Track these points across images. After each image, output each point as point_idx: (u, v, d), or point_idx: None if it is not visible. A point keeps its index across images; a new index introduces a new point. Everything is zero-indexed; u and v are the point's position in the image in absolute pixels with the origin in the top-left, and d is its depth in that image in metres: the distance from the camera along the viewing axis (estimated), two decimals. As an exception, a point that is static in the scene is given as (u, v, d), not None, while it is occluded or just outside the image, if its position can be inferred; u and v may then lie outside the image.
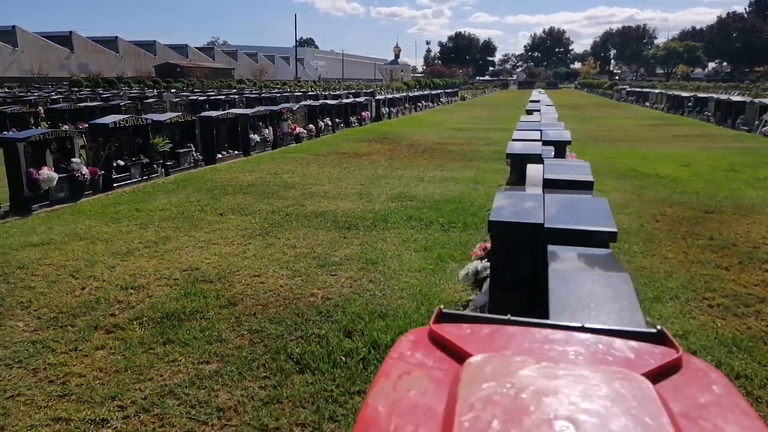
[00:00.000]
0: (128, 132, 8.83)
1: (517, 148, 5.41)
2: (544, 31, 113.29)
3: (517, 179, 5.25)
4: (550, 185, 3.87)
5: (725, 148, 12.88)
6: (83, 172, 7.68)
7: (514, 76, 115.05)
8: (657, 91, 30.87)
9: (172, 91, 38.03)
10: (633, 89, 39.80)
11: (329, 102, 18.00)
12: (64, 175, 7.42)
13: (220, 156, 11.11)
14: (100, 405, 2.89)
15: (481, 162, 11.25)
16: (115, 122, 8.39)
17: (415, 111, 28.54)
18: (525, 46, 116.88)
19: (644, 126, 19.96)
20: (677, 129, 18.45)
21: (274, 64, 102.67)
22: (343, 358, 3.30)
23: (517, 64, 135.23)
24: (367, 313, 3.89)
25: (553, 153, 5.55)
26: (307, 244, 5.59)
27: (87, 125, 8.47)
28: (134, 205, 7.38)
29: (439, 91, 37.98)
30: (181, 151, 9.98)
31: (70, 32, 66.98)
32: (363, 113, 20.34)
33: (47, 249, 5.44)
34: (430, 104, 32.48)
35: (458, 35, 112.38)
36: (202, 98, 22.10)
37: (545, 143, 5.82)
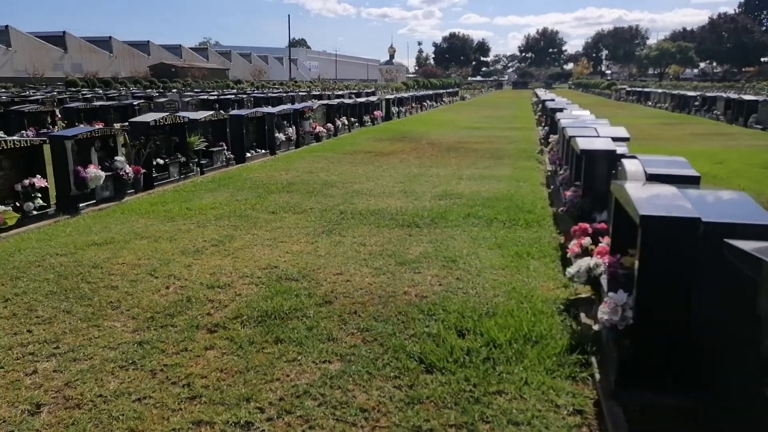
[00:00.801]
0: (165, 130, 8.70)
1: (597, 144, 5.38)
2: (537, 32, 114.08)
3: (595, 174, 5.21)
4: (655, 180, 3.83)
5: (750, 146, 12.97)
6: (127, 171, 7.54)
7: (506, 77, 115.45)
8: (660, 90, 31.06)
9: (173, 91, 37.74)
10: (634, 89, 40.05)
11: (346, 101, 17.92)
12: (109, 173, 7.29)
13: (249, 155, 11.00)
14: (236, 407, 2.80)
15: (512, 160, 11.22)
16: (155, 120, 8.25)
17: (421, 110, 28.53)
18: (519, 47, 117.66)
19: (658, 125, 20.08)
20: (691, 128, 18.57)
21: (268, 65, 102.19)
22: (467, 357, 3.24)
23: (508, 65, 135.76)
24: (471, 312, 3.82)
25: (620, 150, 5.52)
26: (376, 242, 5.51)
27: (126, 123, 8.32)
28: (182, 203, 7.26)
29: (441, 90, 38.01)
30: (214, 149, 9.86)
31: (64, 32, 66.21)
32: (375, 112, 20.27)
33: (113, 248, 5.32)
34: (434, 104, 32.49)
35: (452, 36, 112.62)
36: (212, 98, 21.94)
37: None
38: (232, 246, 5.42)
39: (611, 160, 5.16)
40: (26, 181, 6.22)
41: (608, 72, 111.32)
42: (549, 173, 9.66)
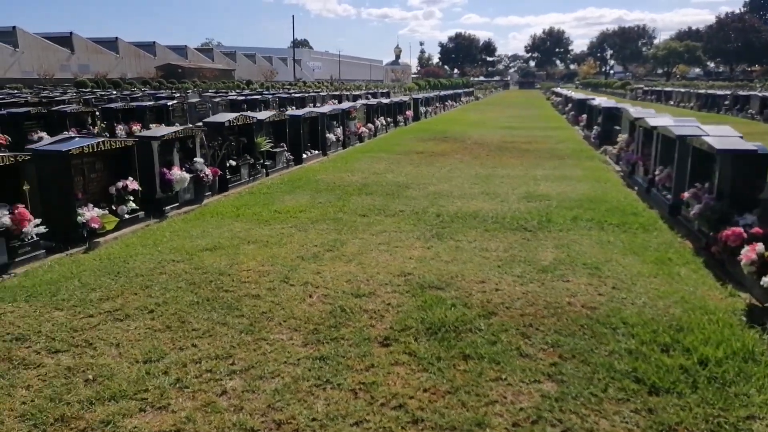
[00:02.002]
0: (234, 131, 8.46)
1: (728, 143, 5.16)
2: (544, 32, 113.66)
3: (736, 175, 4.97)
4: None
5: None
6: (207, 173, 7.30)
7: (508, 77, 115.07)
8: (683, 89, 30.78)
9: (189, 92, 37.47)
10: (653, 88, 39.76)
11: (384, 102, 17.68)
12: (189, 175, 7.04)
13: (304, 156, 10.76)
14: (470, 433, 2.56)
15: (574, 160, 10.98)
16: (229, 121, 8.01)
17: (444, 110, 28.29)
18: (525, 47, 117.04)
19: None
20: (736, 128, 18.29)
21: (273, 65, 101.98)
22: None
23: (510, 65, 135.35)
24: (655, 324, 3.58)
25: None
26: (497, 247, 5.27)
27: (201, 124, 8.09)
28: (265, 206, 7.01)
29: (459, 91, 37.77)
30: (277, 150, 9.62)
31: (71, 33, 65.87)
32: (407, 112, 20.03)
33: (226, 253, 5.07)
34: (455, 103, 32.26)
35: (458, 36, 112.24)
36: (240, 99, 21.66)
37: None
38: (347, 251, 5.18)
39: (757, 161, 4.92)
40: (120, 184, 5.97)
41: (611, 72, 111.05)
42: (622, 173, 9.43)
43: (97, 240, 5.48)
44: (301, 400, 2.83)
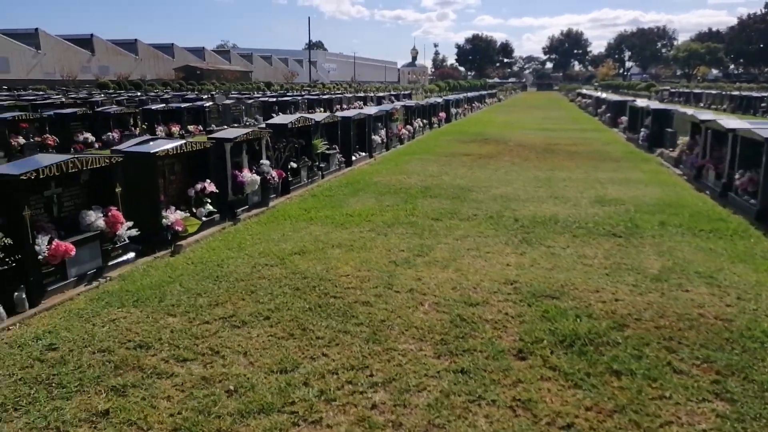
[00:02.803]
0: (293, 133, 8.36)
1: None
2: (562, 33, 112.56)
3: None
4: None
5: None
6: (273, 175, 7.20)
7: (523, 79, 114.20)
8: (715, 91, 30.23)
9: (213, 93, 37.62)
10: (680, 90, 39.14)
11: (421, 103, 17.54)
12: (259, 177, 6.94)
13: (354, 158, 10.64)
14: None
15: (630, 163, 10.75)
16: (291, 122, 7.91)
17: (471, 112, 28.07)
18: (543, 48, 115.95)
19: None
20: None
21: (288, 67, 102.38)
22: None
23: (525, 67, 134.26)
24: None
25: None
26: (594, 254, 5.09)
27: (265, 125, 8.00)
28: (333, 209, 6.89)
29: (484, 92, 37.51)
30: (330, 152, 9.51)
31: (91, 35, 66.62)
32: (440, 114, 19.86)
33: (317, 257, 4.95)
34: (480, 105, 32.02)
35: (475, 37, 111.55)
36: (272, 100, 21.67)
37: None
38: (438, 256, 5.03)
39: None
40: (198, 186, 5.88)
41: (627, 74, 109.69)
42: (686, 177, 9.17)
43: (180, 243, 5.39)
44: (460, 417, 2.68)
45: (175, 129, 15.16)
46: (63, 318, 3.74)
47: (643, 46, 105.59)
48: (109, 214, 4.63)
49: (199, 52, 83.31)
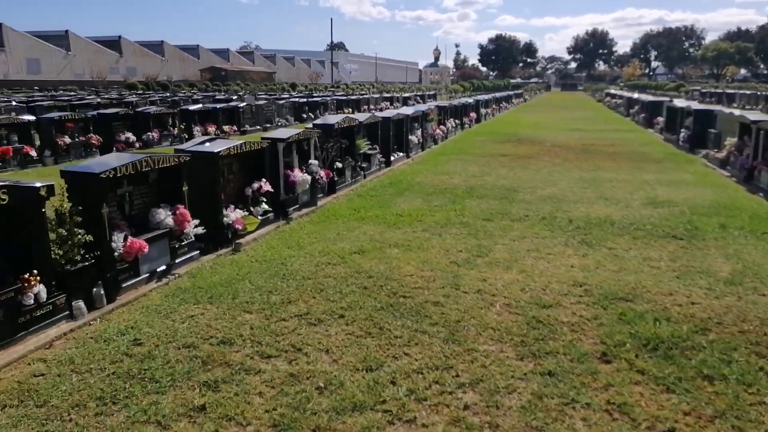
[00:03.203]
0: (338, 133, 8.40)
1: None
2: (587, 33, 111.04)
3: None
4: None
5: None
6: (322, 175, 7.25)
7: (545, 79, 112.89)
8: (749, 91, 29.49)
9: (240, 94, 38.04)
10: (712, 90, 38.29)
11: (453, 103, 17.48)
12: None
13: (392, 158, 10.65)
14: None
15: (672, 163, 10.55)
16: (337, 123, 7.96)
17: (500, 112, 27.87)
18: (567, 48, 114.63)
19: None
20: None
21: (310, 68, 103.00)
22: None
23: (547, 67, 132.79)
24: None
25: None
26: (659, 256, 5.00)
27: (312, 126, 8.06)
28: (382, 209, 6.90)
29: (511, 93, 37.21)
30: (372, 152, 9.53)
31: (119, 37, 67.92)
32: (471, 114, 19.76)
33: (376, 257, 4.95)
34: (507, 105, 31.78)
35: (499, 37, 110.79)
36: (302, 101, 21.84)
37: None
38: (498, 257, 5.00)
39: None
40: (255, 185, 5.95)
41: (651, 74, 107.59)
42: (735, 179, 8.96)
43: (239, 241, 5.45)
44: (557, 419, 2.66)
45: (211, 129, 15.35)
46: (142, 313, 3.82)
47: (671, 45, 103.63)
48: (177, 212, 4.71)
49: (223, 53, 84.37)
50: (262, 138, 6.51)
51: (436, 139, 14.24)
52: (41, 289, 3.47)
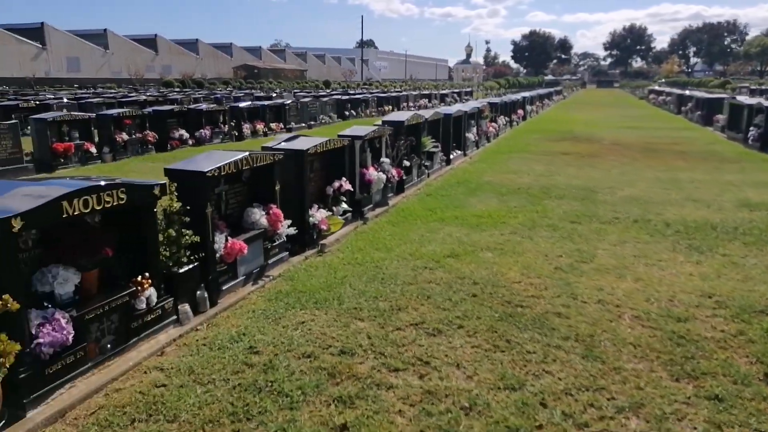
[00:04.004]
0: (406, 131, 8.15)
1: None
2: (624, 28, 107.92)
3: None
4: None
5: None
6: (393, 174, 7.02)
7: (578, 76, 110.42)
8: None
9: (276, 91, 38.20)
10: (761, 87, 36.66)
11: (505, 100, 17.08)
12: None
13: (451, 156, 10.35)
14: None
15: (749, 163, 10.00)
16: (407, 120, 7.71)
17: (542, 109, 27.22)
18: (604, 44, 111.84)
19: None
20: None
21: (341, 65, 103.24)
22: None
23: (580, 63, 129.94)
24: None
25: None
26: (783, 265, 4.61)
27: (381, 123, 7.85)
28: (458, 209, 6.63)
29: (551, 90, 36.42)
30: (434, 150, 9.26)
31: (155, 35, 69.14)
32: (519, 111, 19.28)
33: (472, 261, 4.68)
34: (548, 102, 31.08)
35: (533, 33, 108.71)
36: (345, 98, 21.71)
37: None
38: (605, 263, 4.67)
39: None
40: (336, 184, 5.76)
41: (689, 70, 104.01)
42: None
43: (323, 242, 5.26)
44: (748, 454, 2.36)
45: (260, 126, 15.32)
46: (249, 319, 3.64)
47: (712, 41, 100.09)
48: (271, 212, 4.54)
49: (256, 51, 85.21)
50: (339, 135, 6.30)
51: (489, 137, 13.88)
52: (152, 293, 3.31)
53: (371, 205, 6.63)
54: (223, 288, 4.00)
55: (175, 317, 3.54)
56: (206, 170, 3.73)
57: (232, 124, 14.56)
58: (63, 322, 2.76)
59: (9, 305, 2.39)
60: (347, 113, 21.36)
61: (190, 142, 12.92)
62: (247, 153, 4.20)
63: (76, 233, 2.98)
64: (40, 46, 52.98)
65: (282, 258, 4.74)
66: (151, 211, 3.33)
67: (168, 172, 3.80)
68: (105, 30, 61.98)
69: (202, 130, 13.40)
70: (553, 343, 3.29)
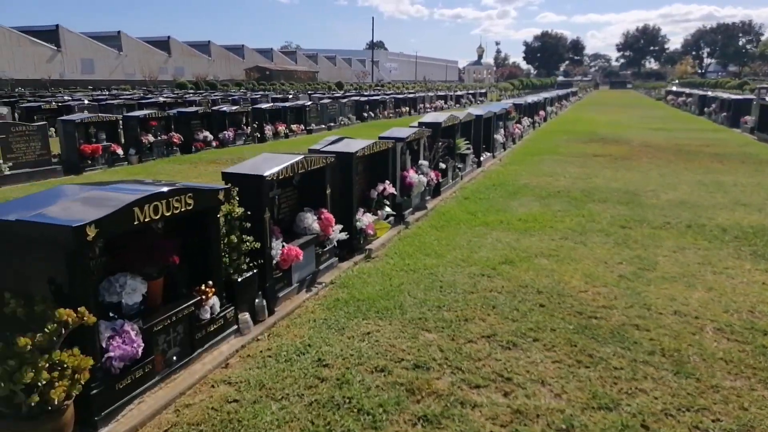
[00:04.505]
0: (442, 133, 7.97)
1: None
2: (637, 29, 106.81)
3: None
4: None
5: None
6: (432, 176, 6.85)
7: (589, 77, 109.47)
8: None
9: (291, 93, 38.18)
10: (785, 87, 36.00)
11: (529, 101, 16.85)
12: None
13: (481, 157, 10.16)
14: None
15: (792, 167, 9.70)
16: (444, 121, 7.54)
17: (561, 110, 26.92)
18: (617, 45, 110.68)
19: None
20: None
21: (351, 67, 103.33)
22: None
23: (591, 64, 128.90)
24: None
25: None
26: None
27: (417, 124, 7.69)
28: (499, 213, 6.44)
29: (568, 91, 36.07)
30: (467, 152, 9.08)
31: (168, 37, 69.41)
32: (540, 112, 19.04)
33: (530, 268, 4.49)
34: (566, 103, 30.76)
35: (545, 34, 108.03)
36: (363, 99, 21.57)
37: None
38: (670, 271, 4.46)
39: None
40: (380, 187, 5.60)
41: (701, 71, 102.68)
42: None
43: (369, 247, 5.10)
44: None
45: (281, 128, 15.22)
46: (311, 328, 3.48)
47: (726, 42, 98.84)
48: (322, 216, 4.39)
49: (267, 53, 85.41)
50: (380, 137, 6.14)
51: (514, 139, 13.66)
52: (215, 302, 3.17)
53: (411, 209, 6.47)
54: (279, 295, 3.86)
55: (235, 327, 3.39)
56: (266, 174, 3.58)
57: (255, 125, 14.46)
58: (133, 334, 2.62)
59: (85, 318, 2.25)
60: (365, 114, 21.21)
61: (214, 143, 12.83)
62: (302, 156, 4.05)
63: (142, 240, 2.85)
64: (55, 48, 53.41)
65: (332, 264, 4.58)
66: (214, 216, 3.19)
67: (227, 176, 3.65)
68: (119, 32, 62.32)
69: (225, 132, 13.31)
70: (639, 358, 3.10)
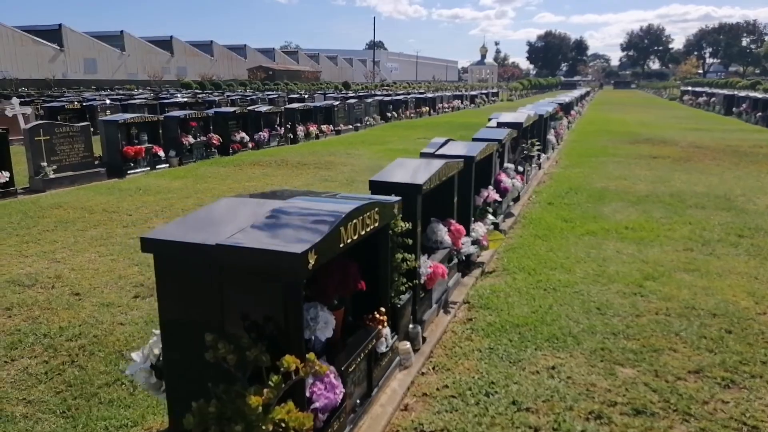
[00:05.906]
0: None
1: None
2: (641, 29, 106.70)
3: None
4: None
5: None
6: (518, 180, 6.39)
7: (589, 77, 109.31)
8: None
9: (300, 93, 37.71)
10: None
11: (566, 100, 16.43)
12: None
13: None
14: None
15: None
16: (524, 121, 7.10)
17: (582, 110, 26.50)
18: (621, 44, 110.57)
19: None
20: None
21: (352, 67, 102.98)
22: None
23: (590, 64, 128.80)
24: None
25: None
26: None
27: (497, 124, 7.26)
28: (600, 222, 5.97)
29: (583, 91, 35.64)
30: (535, 154, 8.62)
31: (171, 37, 68.87)
32: (572, 112, 18.59)
33: (677, 286, 4.04)
34: (583, 103, 30.36)
35: (548, 34, 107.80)
36: (387, 100, 21.12)
37: None
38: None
39: None
40: (484, 193, 5.13)
41: (701, 72, 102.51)
42: None
43: (481, 260, 4.65)
44: None
45: (313, 129, 14.75)
46: (481, 360, 3.02)
47: (730, 42, 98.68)
48: (452, 228, 3.93)
49: (269, 53, 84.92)
50: (474, 138, 5.69)
51: (558, 140, 13.22)
52: (388, 332, 2.71)
53: (501, 215, 6.02)
54: (424, 319, 3.40)
55: (397, 359, 2.94)
56: (422, 183, 3.12)
57: (288, 126, 13.98)
58: (332, 377, 2.15)
59: (317, 368, 1.78)
60: (389, 114, 20.77)
61: (250, 145, 12.35)
62: (443, 162, 3.58)
63: (331, 265, 2.38)
64: (58, 47, 52.83)
65: (457, 280, 4.13)
66: (386, 232, 2.73)
67: (373, 185, 3.19)
68: (122, 32, 61.74)
69: (261, 133, 12.83)
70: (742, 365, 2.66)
